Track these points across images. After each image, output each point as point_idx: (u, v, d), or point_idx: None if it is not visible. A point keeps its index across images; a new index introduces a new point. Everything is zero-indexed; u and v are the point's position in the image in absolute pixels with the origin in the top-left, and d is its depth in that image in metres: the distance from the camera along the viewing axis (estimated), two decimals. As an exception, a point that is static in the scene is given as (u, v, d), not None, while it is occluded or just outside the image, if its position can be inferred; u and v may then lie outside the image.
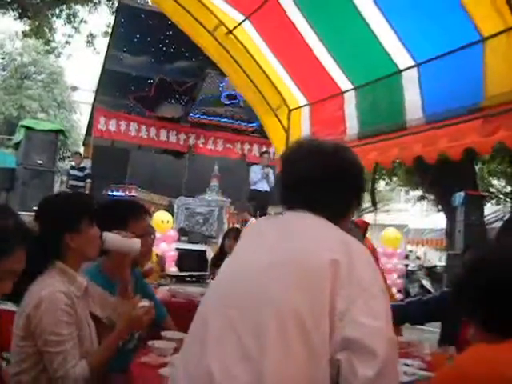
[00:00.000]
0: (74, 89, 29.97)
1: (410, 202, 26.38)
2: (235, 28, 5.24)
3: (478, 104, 3.47)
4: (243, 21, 5.07)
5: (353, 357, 1.24)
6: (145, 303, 2.32)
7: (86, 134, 14.74)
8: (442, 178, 14.11)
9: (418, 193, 20.28)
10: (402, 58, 4.07)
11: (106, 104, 12.93)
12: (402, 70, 4.14)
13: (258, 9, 4.77)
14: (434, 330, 3.81)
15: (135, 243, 2.35)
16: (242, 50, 5.44)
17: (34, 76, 29.49)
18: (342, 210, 1.55)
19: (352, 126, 4.75)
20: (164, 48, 10.99)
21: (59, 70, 30.31)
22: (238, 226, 10.15)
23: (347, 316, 1.27)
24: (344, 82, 4.77)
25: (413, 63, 4.02)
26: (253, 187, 10.94)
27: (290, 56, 5.09)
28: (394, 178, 19.56)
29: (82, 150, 15.47)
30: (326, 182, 1.51)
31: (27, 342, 2.03)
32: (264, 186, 10.84)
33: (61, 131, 8.71)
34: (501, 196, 18.66)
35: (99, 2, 14.74)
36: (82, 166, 11.57)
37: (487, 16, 3.31)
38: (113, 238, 2.28)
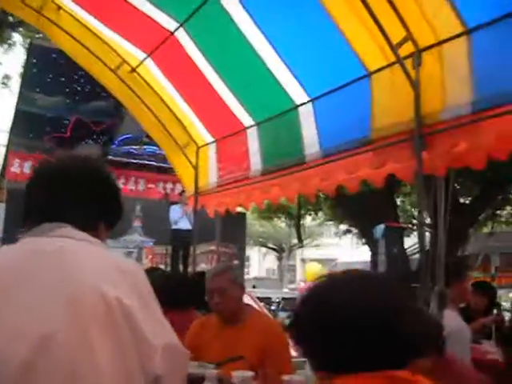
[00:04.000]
0: (-7, 131, 28.98)
1: (338, 237, 26.83)
2: (138, 66, 5.19)
3: (367, 137, 3.54)
4: (145, 58, 5.04)
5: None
6: None
7: (1, 177, 14.19)
8: (364, 211, 14.43)
9: (345, 226, 20.68)
10: (297, 93, 4.13)
11: (21, 146, 12.47)
12: (298, 106, 4.19)
13: (158, 47, 4.75)
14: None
15: None
16: (146, 87, 5.38)
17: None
18: (89, 221, 1.43)
19: (255, 161, 4.76)
20: (79, 88, 10.84)
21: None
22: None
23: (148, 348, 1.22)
24: (246, 119, 4.79)
25: (307, 98, 4.09)
26: (174, 226, 10.80)
27: (193, 93, 5.08)
28: (320, 213, 19.85)
29: (-4, 194, 14.83)
30: (68, 191, 1.40)
31: None
32: (186, 225, 10.70)
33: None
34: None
35: (14, 42, 14.44)
36: None
37: (370, 52, 3.42)
38: None
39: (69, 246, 1.31)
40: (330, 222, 21.44)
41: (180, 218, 10.70)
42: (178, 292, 3.75)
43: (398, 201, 17.53)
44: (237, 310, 3.07)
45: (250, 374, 2.42)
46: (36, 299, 1.19)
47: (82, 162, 1.48)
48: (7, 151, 13.02)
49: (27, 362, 1.11)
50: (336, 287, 1.24)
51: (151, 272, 4.27)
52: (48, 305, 1.18)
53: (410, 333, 1.13)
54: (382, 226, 12.95)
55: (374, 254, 14.31)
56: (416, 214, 19.73)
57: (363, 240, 17.51)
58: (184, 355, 1.36)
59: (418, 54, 3.15)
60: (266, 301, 14.21)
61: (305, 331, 1.23)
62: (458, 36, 2.92)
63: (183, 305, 3.71)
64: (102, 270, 1.27)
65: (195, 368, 2.50)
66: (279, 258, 35.40)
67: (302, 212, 19.30)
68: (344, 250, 30.96)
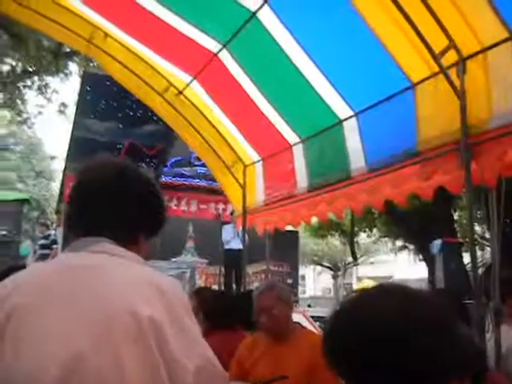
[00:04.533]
0: (53, 158, 30.16)
1: (393, 253, 26.25)
2: (185, 88, 5.28)
3: (413, 149, 3.47)
4: (191, 81, 5.12)
5: None
6: None
7: (58, 202, 14.64)
8: (420, 227, 14.08)
9: (400, 243, 20.23)
10: (341, 108, 4.10)
11: (77, 170, 12.83)
12: (342, 120, 4.16)
13: (203, 69, 4.82)
14: None
15: None
16: (193, 109, 5.46)
17: (12, 147, 29.61)
18: (129, 233, 1.41)
19: (302, 178, 4.73)
20: (131, 113, 11.09)
21: (36, 140, 30.49)
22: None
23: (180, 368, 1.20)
24: (291, 136, 4.78)
25: (351, 113, 4.04)
26: (226, 246, 10.86)
27: (239, 112, 5.12)
28: (375, 230, 19.50)
29: (55, 218, 15.34)
30: (108, 201, 1.38)
31: None
32: (238, 245, 10.74)
33: (26, 200, 8.58)
34: (481, 241, 18.58)
35: (70, 72, 14.97)
36: (47, 233, 11.49)
37: (413, 63, 3.36)
38: None
39: (104, 263, 1.31)
40: (385, 239, 21.03)
41: (232, 238, 10.75)
42: (226, 311, 3.74)
43: (456, 215, 17.04)
44: (285, 328, 3.03)
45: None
46: (67, 318, 1.18)
47: (122, 170, 1.44)
48: (64, 176, 13.44)
49: (59, 383, 1.11)
50: (359, 304, 1.18)
51: (200, 292, 4.29)
52: (79, 324, 1.17)
53: (433, 352, 1.03)
54: (438, 242, 12.53)
55: (431, 271, 13.92)
56: (476, 228, 19.16)
57: (419, 256, 17.08)
58: (220, 376, 1.33)
59: (462, 63, 3.06)
60: (322, 320, 14.01)
61: (330, 350, 1.17)
62: (502, 42, 2.83)
63: (231, 324, 3.70)
64: (136, 288, 1.25)
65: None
66: (334, 277, 34.93)
67: (356, 229, 19.02)
68: (400, 266, 30.26)
